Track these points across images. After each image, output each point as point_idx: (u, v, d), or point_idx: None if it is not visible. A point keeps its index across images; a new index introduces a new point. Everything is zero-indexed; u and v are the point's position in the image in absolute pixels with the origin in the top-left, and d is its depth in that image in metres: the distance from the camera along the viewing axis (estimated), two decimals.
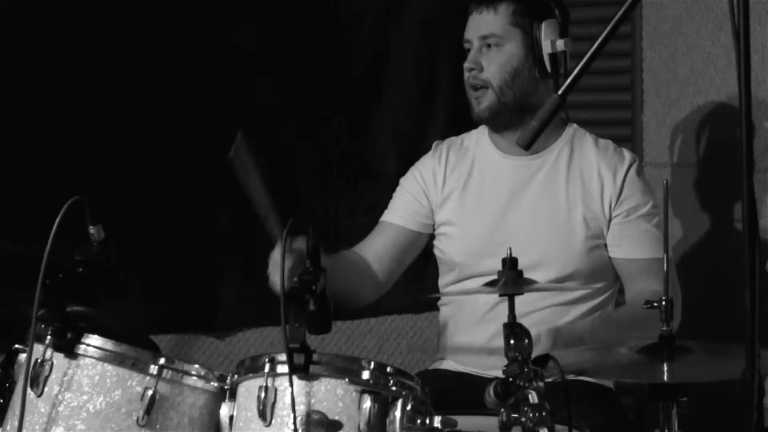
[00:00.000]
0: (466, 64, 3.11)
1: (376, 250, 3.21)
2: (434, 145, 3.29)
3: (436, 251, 3.24)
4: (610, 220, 3.09)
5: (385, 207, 3.29)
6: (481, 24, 3.11)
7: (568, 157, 3.13)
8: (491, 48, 3.09)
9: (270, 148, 3.94)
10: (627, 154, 3.14)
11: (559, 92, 2.13)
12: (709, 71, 3.73)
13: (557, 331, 2.95)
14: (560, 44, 3.07)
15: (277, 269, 2.78)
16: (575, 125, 3.20)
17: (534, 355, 2.32)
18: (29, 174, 3.62)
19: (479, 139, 3.23)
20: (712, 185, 3.71)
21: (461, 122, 3.35)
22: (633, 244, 3.08)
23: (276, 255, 2.84)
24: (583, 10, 3.78)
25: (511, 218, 3.11)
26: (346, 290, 3.09)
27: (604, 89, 3.96)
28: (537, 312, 3.01)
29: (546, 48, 3.07)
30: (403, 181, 3.28)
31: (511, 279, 2.40)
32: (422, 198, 3.21)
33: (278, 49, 3.92)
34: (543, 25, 3.07)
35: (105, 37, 3.71)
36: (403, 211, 3.23)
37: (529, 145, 2.22)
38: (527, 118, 2.99)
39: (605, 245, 3.10)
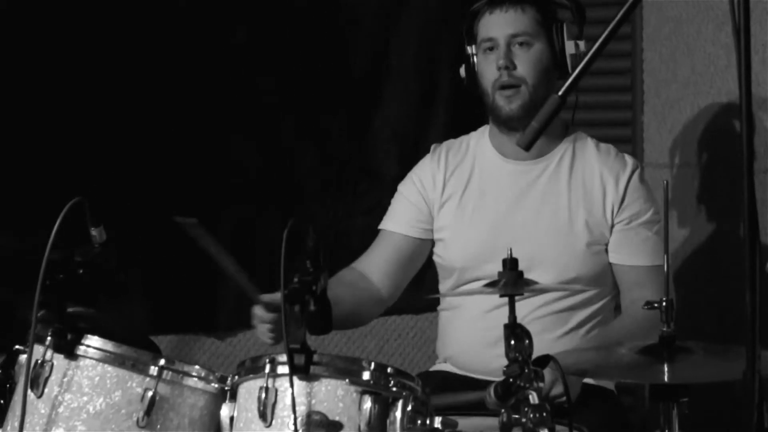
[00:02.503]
0: (501, 62, 3.05)
1: (378, 263, 3.17)
2: (432, 148, 3.25)
3: (435, 258, 3.21)
4: (612, 226, 3.08)
5: (386, 207, 3.27)
6: (509, 22, 3.07)
7: (570, 162, 3.12)
8: (521, 47, 3.06)
9: (270, 148, 3.95)
10: (629, 160, 3.13)
11: (560, 93, 2.13)
12: (709, 72, 3.73)
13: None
14: (581, 45, 3.07)
15: (260, 327, 2.81)
16: (578, 129, 3.19)
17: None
18: (31, 174, 3.62)
19: (480, 141, 3.21)
20: (712, 186, 3.71)
21: (461, 122, 3.35)
22: (633, 251, 3.08)
23: (258, 311, 2.81)
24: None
25: (512, 223, 3.10)
26: (344, 312, 3.02)
27: (605, 90, 3.96)
28: (537, 320, 2.99)
29: (569, 49, 3.06)
30: (401, 187, 3.25)
31: (511, 279, 2.40)
32: (422, 204, 3.19)
33: (278, 48, 3.92)
34: (564, 26, 3.07)
35: (106, 37, 3.72)
36: (403, 219, 3.20)
37: (529, 146, 2.22)
38: None
39: (606, 250, 3.09)
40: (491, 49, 3.08)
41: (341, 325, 3.12)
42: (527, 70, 3.05)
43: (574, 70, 3.02)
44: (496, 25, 3.08)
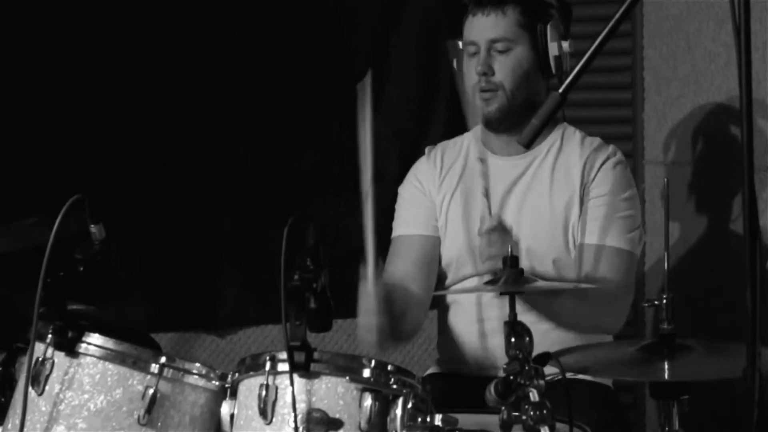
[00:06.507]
0: (478, 68, 3.06)
1: (407, 269, 3.14)
2: (427, 150, 3.27)
3: None
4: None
5: (386, 206, 3.27)
6: (489, 27, 3.07)
7: (556, 155, 3.13)
8: (501, 52, 3.06)
9: (271, 147, 3.95)
10: (609, 148, 3.13)
11: (560, 90, 2.13)
12: (709, 69, 3.73)
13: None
14: (565, 46, 3.07)
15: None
16: (566, 124, 3.20)
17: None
18: (31, 171, 3.62)
19: (471, 140, 3.23)
20: (712, 183, 3.71)
21: (462, 121, 3.35)
22: (591, 229, 3.05)
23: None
24: (584, 8, 3.78)
25: (501, 217, 3.11)
26: (406, 327, 3.05)
27: (605, 87, 3.96)
28: (530, 311, 2.99)
29: (552, 50, 3.06)
30: (402, 191, 3.25)
31: (511, 277, 2.40)
32: (427, 202, 3.19)
33: (279, 48, 3.92)
34: (548, 27, 3.07)
35: (107, 37, 3.72)
36: (413, 219, 3.19)
37: (530, 143, 2.23)
38: (528, 118, 3.00)
39: None
40: (474, 53, 3.10)
41: (405, 338, 3.12)
42: (505, 75, 3.06)
43: (559, 70, 3.08)
44: (477, 28, 3.09)
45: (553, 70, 3.08)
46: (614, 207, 3.07)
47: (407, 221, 3.21)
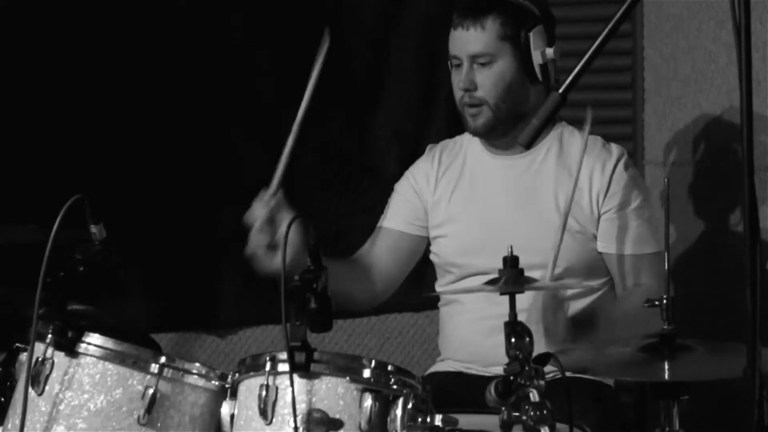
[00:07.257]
0: (461, 85, 3.08)
1: (375, 257, 3.20)
2: (428, 148, 3.29)
3: (431, 256, 3.24)
4: (599, 216, 3.09)
5: (386, 206, 3.29)
6: (469, 42, 3.07)
7: (557, 154, 3.14)
8: (483, 66, 3.07)
9: (271, 146, 3.95)
10: (615, 149, 3.14)
11: (560, 90, 2.13)
12: (710, 70, 3.73)
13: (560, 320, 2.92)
14: (549, 53, 3.07)
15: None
16: (564, 123, 3.20)
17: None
18: (31, 171, 3.62)
19: (471, 140, 3.23)
20: (712, 184, 3.71)
21: (462, 120, 3.35)
22: (623, 240, 3.07)
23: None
24: (584, 8, 3.79)
25: (502, 216, 3.11)
26: (340, 292, 3.06)
27: (605, 88, 3.96)
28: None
29: (536, 59, 3.06)
30: (397, 186, 3.28)
31: (512, 277, 2.40)
32: (417, 202, 3.21)
33: (279, 47, 3.92)
34: (531, 36, 3.06)
35: (107, 36, 3.72)
36: (399, 216, 3.23)
37: (530, 143, 2.23)
38: (520, 124, 3.02)
39: (595, 238, 3.10)
40: (458, 65, 3.11)
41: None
42: (488, 90, 3.07)
43: (545, 77, 3.08)
44: (458, 43, 3.10)
45: (540, 78, 3.08)
46: (640, 212, 3.09)
47: (391, 216, 3.25)
